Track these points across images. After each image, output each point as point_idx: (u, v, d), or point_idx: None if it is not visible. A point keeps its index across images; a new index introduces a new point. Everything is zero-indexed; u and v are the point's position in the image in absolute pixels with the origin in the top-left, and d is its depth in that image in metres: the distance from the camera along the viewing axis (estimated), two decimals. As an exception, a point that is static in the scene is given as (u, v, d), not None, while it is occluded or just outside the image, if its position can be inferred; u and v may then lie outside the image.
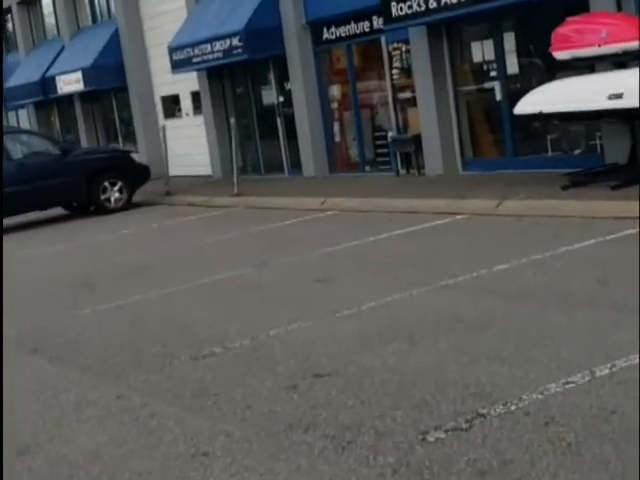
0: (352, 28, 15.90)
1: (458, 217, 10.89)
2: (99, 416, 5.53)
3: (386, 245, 9.89)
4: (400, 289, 7.54)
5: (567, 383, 4.83)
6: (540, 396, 4.70)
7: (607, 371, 4.92)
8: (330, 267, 9.06)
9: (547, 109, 11.25)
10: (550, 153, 13.22)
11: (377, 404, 4.95)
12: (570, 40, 11.25)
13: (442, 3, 12.78)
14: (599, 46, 10.77)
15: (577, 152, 12.98)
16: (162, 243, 12.27)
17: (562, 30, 11.38)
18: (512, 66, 13.35)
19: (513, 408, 4.61)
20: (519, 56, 13.27)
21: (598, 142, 12.52)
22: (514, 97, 12.89)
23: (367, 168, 16.35)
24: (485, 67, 13.73)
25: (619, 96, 10.40)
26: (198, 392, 5.63)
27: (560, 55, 11.40)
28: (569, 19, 11.41)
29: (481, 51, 13.72)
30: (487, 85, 13.75)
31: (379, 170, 16.00)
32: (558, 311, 6.31)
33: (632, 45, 10.58)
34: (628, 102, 10.30)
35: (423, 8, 13.12)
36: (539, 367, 5.16)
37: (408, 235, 10.28)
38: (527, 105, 11.57)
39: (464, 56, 14.20)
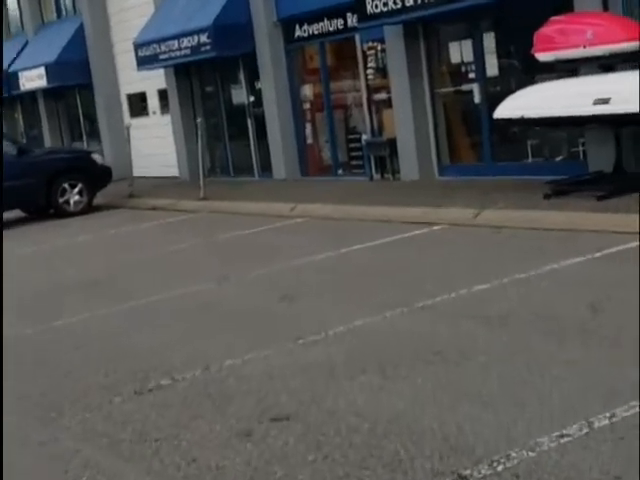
0: (325, 26, 15.25)
1: (435, 228, 10.25)
2: (24, 465, 4.81)
3: (358, 258, 9.22)
4: (372, 311, 6.88)
5: (562, 436, 4.18)
6: (532, 453, 4.04)
7: (606, 422, 4.28)
8: (297, 283, 8.39)
9: (529, 114, 10.64)
10: (530, 159, 12.62)
11: (342, 459, 4.27)
12: (554, 41, 10.64)
13: (419, 1, 12.15)
14: (584, 47, 10.16)
15: (559, 159, 12.39)
16: (119, 252, 11.50)
17: (545, 30, 10.77)
18: (492, 68, 12.75)
19: (500, 469, 3.95)
20: (499, 57, 12.66)
21: (581, 149, 11.94)
22: (493, 100, 12.29)
23: (340, 172, 15.69)
24: (463, 68, 13.11)
25: (606, 101, 9.80)
26: (139, 437, 4.93)
27: (543, 57, 10.79)
28: (553, 19, 10.80)
29: (459, 52, 13.10)
30: (465, 87, 13.14)
31: (352, 174, 15.35)
32: (546, 341, 5.67)
33: (619, 47, 9.98)
34: (615, 108, 9.71)
35: (399, 6, 12.48)
36: (528, 413, 4.51)
37: (382, 247, 9.62)
38: (507, 109, 10.96)
39: (442, 57, 13.58)
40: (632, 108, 9.57)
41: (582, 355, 5.35)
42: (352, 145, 15.38)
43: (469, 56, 12.94)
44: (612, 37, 9.98)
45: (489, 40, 12.66)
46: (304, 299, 7.69)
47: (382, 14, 12.79)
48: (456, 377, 5.23)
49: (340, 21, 14.93)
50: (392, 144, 14.10)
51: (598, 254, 7.82)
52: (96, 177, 16.24)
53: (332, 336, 6.40)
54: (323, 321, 6.77)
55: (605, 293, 6.55)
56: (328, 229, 11.36)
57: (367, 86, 14.72)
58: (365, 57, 14.58)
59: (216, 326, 7.14)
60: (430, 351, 5.75)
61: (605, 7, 10.69)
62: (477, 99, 12.91)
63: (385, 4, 12.68)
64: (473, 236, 9.59)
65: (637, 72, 10.05)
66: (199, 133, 15.90)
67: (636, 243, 7.98)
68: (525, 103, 10.78)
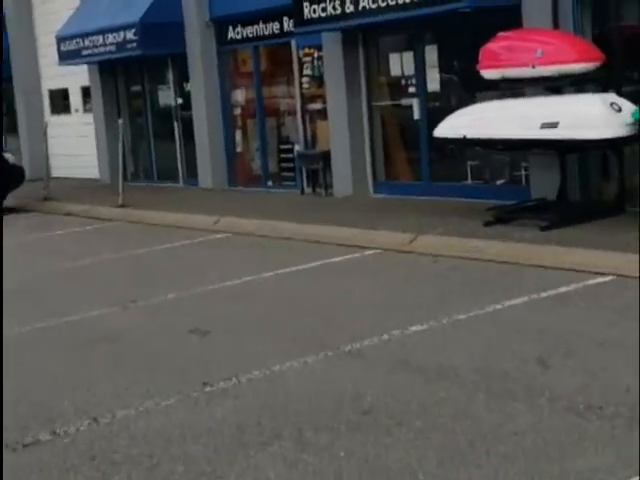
0: (260, 29, 14.45)
1: (367, 252, 9.48)
2: None
3: (281, 285, 8.39)
4: (293, 353, 6.05)
5: None
6: None
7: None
8: (211, 312, 7.52)
9: (471, 134, 9.96)
10: (470, 181, 11.97)
11: None
12: (500, 58, 9.99)
13: (359, 8, 11.39)
14: (533, 67, 9.52)
15: (500, 182, 11.75)
16: (15, 265, 10.29)
17: (492, 46, 10.11)
18: (433, 82, 12.07)
19: None
20: (441, 72, 12.00)
21: (524, 173, 11.32)
22: (434, 117, 11.68)
23: (270, 183, 14.85)
24: (404, 82, 12.41)
25: (554, 125, 9.17)
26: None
27: (489, 74, 10.13)
28: (500, 34, 10.15)
29: (400, 64, 12.40)
30: (405, 102, 12.44)
31: (283, 186, 14.53)
32: (490, 405, 4.91)
33: (571, 68, 9.37)
34: (563, 133, 9.08)
35: (338, 11, 11.71)
36: (471, 506, 3.74)
37: (309, 273, 8.81)
38: (449, 128, 10.27)
39: (381, 68, 12.86)
40: (581, 134, 8.97)
41: (531, 420, 4.61)
42: (284, 156, 14.58)
43: (410, 69, 12.26)
44: (563, 57, 9.35)
45: (431, 53, 11.99)
46: (217, 333, 6.83)
47: (320, 19, 12.01)
48: (385, 447, 4.43)
49: (276, 25, 14.16)
50: (326, 157, 13.34)
51: (544, 294, 7.13)
52: (6, 177, 15.07)
53: (245, 384, 5.55)
54: (236, 363, 5.93)
55: (554, 343, 5.84)
56: (252, 248, 10.51)
57: (302, 94, 13.95)
58: (301, 64, 13.82)
59: (112, 364, 6.22)
60: (357, 410, 4.94)
61: (556, 24, 10.08)
62: (417, 115, 12.23)
63: (323, 9, 11.90)
64: (408, 265, 8.84)
65: (587, 95, 9.47)
66: (120, 136, 14.89)
67: (581, 284, 7.34)
68: (468, 122, 10.11)
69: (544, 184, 10.54)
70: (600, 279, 7.43)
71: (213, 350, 6.43)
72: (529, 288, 7.29)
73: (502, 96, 10.51)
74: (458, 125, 10.18)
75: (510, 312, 6.70)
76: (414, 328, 6.42)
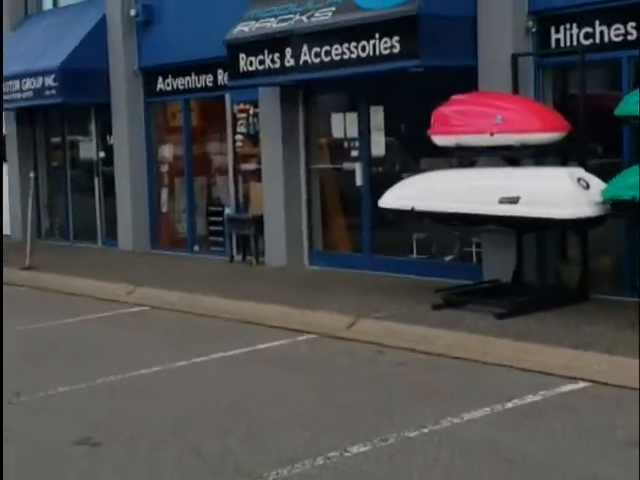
0: (192, 80, 13.38)
1: (300, 338, 8.27)
2: None
3: (197, 379, 7.09)
4: (201, 481, 4.77)
5: None
6: None
7: None
8: (107, 414, 6.18)
9: (421, 206, 8.90)
10: (415, 255, 10.89)
11: None
12: (455, 123, 9.01)
13: (300, 62, 10.35)
14: (491, 135, 8.54)
15: (448, 258, 10.69)
16: None
17: (445, 110, 9.14)
18: (378, 146, 11.06)
19: None
20: (388, 135, 11.00)
21: (474, 250, 10.28)
22: (378, 184, 10.74)
23: (196, 248, 13.61)
24: (346, 144, 11.39)
25: (514, 201, 8.15)
26: None
27: (441, 140, 9.13)
28: (455, 97, 9.19)
29: (342, 125, 11.39)
30: (347, 166, 11.39)
31: (210, 252, 13.31)
32: None
33: (533, 138, 8.41)
34: (525, 210, 8.06)
35: (277, 65, 10.64)
36: None
37: (231, 363, 7.54)
38: (396, 198, 9.21)
39: (322, 129, 11.81)
40: (545, 212, 7.96)
41: None
42: (213, 218, 13.40)
43: (353, 131, 11.25)
44: (525, 126, 8.39)
45: (377, 115, 11.00)
46: (110, 445, 5.50)
47: (257, 73, 10.93)
48: None
49: (209, 77, 13.13)
50: (258, 222, 12.17)
51: (509, 404, 5.99)
52: None
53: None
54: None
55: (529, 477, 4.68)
56: (170, 326, 9.20)
57: (235, 153, 12.84)
58: (235, 120, 12.74)
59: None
60: None
61: (515, 89, 9.15)
62: (359, 180, 11.17)
63: (261, 62, 10.83)
64: (348, 357, 7.61)
65: (552, 169, 8.52)
66: (31, 190, 13.51)
67: (551, 392, 6.23)
68: (417, 193, 9.06)
69: (497, 263, 9.53)
70: (571, 386, 6.34)
71: (102, 465, 5.11)
72: (491, 396, 6.14)
73: (455, 165, 9.53)
74: (406, 195, 9.13)
75: (470, 429, 5.52)
76: (355, 449, 5.19)
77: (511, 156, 8.85)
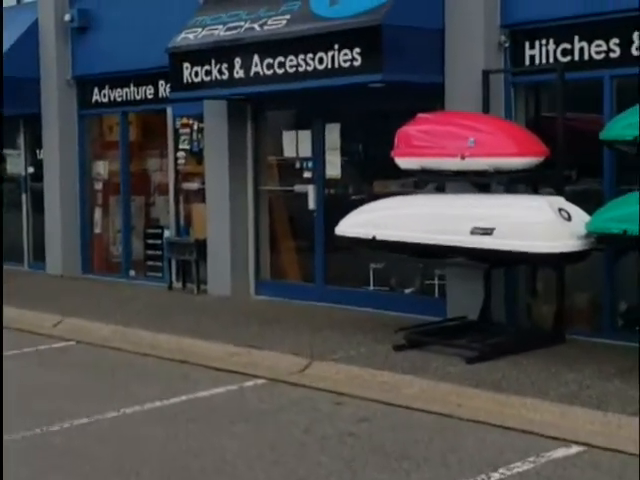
0: (131, 92, 12.40)
1: (247, 384, 7.30)
2: None
3: (122, 440, 6.06)
4: None
5: None
6: None
7: None
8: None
9: (383, 235, 8.04)
10: (372, 287, 10.01)
11: None
12: (421, 145, 8.18)
13: (251, 73, 9.44)
14: (462, 158, 7.72)
15: (408, 291, 9.83)
16: None
17: (410, 130, 8.31)
18: (334, 168, 10.19)
19: None
20: (344, 156, 10.13)
21: (437, 282, 9.45)
22: (332, 208, 9.97)
23: (132, 273, 12.55)
24: (298, 164, 10.49)
25: (487, 232, 7.33)
26: None
27: (405, 163, 8.30)
28: (421, 116, 8.37)
29: (295, 143, 10.49)
30: (299, 188, 10.48)
31: (147, 277, 12.28)
32: None
33: (508, 162, 7.62)
34: (500, 243, 7.24)
35: (225, 76, 9.72)
36: None
37: (163, 418, 6.52)
38: (355, 225, 8.34)
39: (273, 147, 10.89)
40: (522, 246, 7.15)
41: None
42: (151, 241, 12.34)
43: (306, 150, 10.36)
44: (500, 149, 7.60)
45: (333, 133, 10.14)
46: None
47: (202, 84, 9.98)
48: None
49: (149, 88, 12.17)
50: (201, 247, 11.19)
51: (495, 475, 5.11)
52: None
53: None
54: None
55: None
56: (97, 367, 8.13)
57: (177, 171, 11.85)
58: (177, 135, 11.75)
59: None
60: None
61: (486, 108, 8.36)
62: (312, 204, 10.27)
63: (207, 72, 9.89)
64: (301, 410, 6.66)
65: (531, 198, 7.73)
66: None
67: (540, 458, 5.38)
68: (378, 220, 8.20)
69: (463, 298, 8.72)
70: (564, 451, 5.50)
71: None
72: (473, 463, 5.26)
73: (420, 190, 8.71)
74: (365, 222, 8.26)
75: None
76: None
77: (483, 182, 8.04)
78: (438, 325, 8.44)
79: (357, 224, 8.32)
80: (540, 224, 7.11)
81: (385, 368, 7.24)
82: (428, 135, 8.14)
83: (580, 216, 7.24)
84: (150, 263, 12.34)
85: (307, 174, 10.38)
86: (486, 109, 8.37)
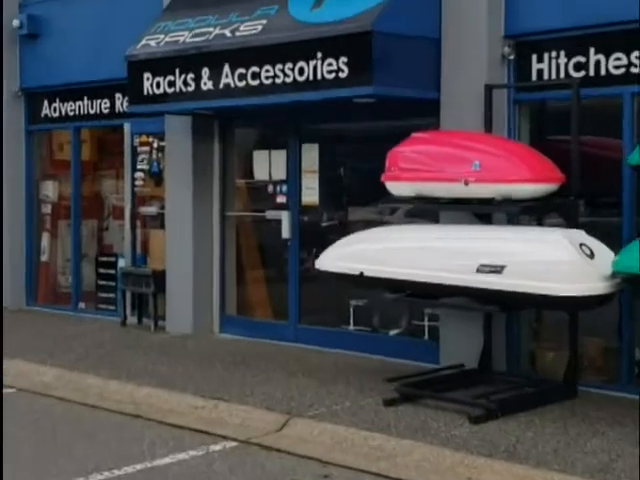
0: (85, 106, 11.34)
1: (214, 447, 6.15)
2: None
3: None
4: None
5: None
6: None
7: None
8: None
9: (372, 271, 6.98)
10: (353, 327, 8.92)
11: None
12: (416, 168, 7.14)
13: (220, 85, 8.38)
14: (466, 184, 6.70)
15: (394, 333, 8.76)
16: None
17: (404, 150, 7.29)
18: (311, 193, 9.13)
19: None
20: (324, 180, 9.06)
21: (427, 323, 8.39)
22: (310, 238, 9.05)
23: (82, 306, 11.39)
24: (271, 188, 9.43)
25: (497, 270, 6.30)
26: None
27: (397, 188, 7.28)
28: (415, 135, 7.35)
29: (267, 165, 9.43)
30: (271, 214, 9.42)
31: (100, 311, 11.15)
32: None
33: (519, 189, 6.61)
34: (512, 283, 6.22)
35: (190, 88, 8.64)
36: None
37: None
38: (339, 258, 7.30)
39: (242, 168, 9.84)
40: (538, 287, 6.13)
41: None
42: (103, 271, 11.22)
43: (280, 172, 9.30)
44: (511, 174, 6.59)
45: (310, 154, 9.10)
46: None
47: (164, 97, 8.89)
48: None
49: (105, 102, 11.11)
50: (159, 279, 10.05)
51: None
52: None
53: None
54: None
55: None
56: (39, 422, 6.93)
57: (134, 194, 10.77)
58: (135, 155, 10.68)
59: None
60: None
61: (489, 127, 7.37)
62: (286, 233, 9.20)
63: (170, 83, 8.80)
64: None
65: (547, 231, 6.72)
66: None
67: None
68: (367, 253, 7.14)
69: (458, 341, 7.71)
70: None
71: None
72: None
73: (413, 219, 7.70)
74: (352, 255, 7.21)
75: None
76: None
77: (489, 212, 7.03)
78: (433, 375, 7.36)
79: (342, 257, 7.27)
80: (560, 263, 6.09)
81: (376, 429, 6.15)
82: (425, 157, 7.11)
83: (603, 253, 6.26)
84: (102, 295, 11.22)
85: (281, 199, 9.32)
86: (488, 128, 7.38)
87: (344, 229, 8.36)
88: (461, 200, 6.89)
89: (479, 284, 6.37)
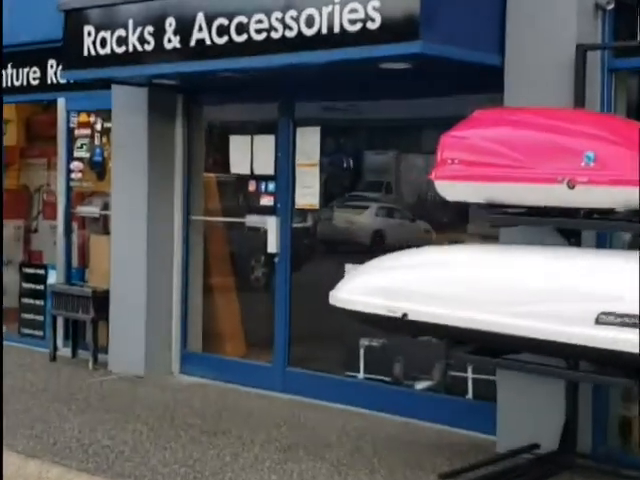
0: (8, 76, 9.18)
1: None
2: None
3: None
4: None
5: None
6: None
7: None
8: None
9: (420, 313, 4.71)
10: (362, 374, 6.69)
11: None
12: (486, 162, 4.86)
13: (191, 42, 6.12)
14: (571, 186, 4.47)
15: (421, 386, 6.50)
16: None
17: (466, 137, 4.99)
18: (308, 193, 6.93)
19: None
20: (328, 175, 6.86)
21: (470, 375, 6.17)
22: (306, 253, 7.15)
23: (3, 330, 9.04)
24: (253, 186, 7.31)
25: (629, 322, 4.07)
26: None
27: (455, 190, 5.01)
28: (478, 112, 5.09)
29: (249, 154, 7.27)
30: (252, 221, 7.33)
31: (22, 337, 9.01)
32: None
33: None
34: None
35: (149, 47, 6.34)
36: None
37: None
38: (367, 292, 5.05)
39: (215, 159, 7.70)
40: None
41: None
42: (29, 286, 9.14)
43: (266, 165, 7.12)
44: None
45: (309, 139, 6.90)
46: None
47: (111, 60, 6.60)
48: None
49: (34, 71, 8.94)
50: (101, 301, 7.89)
51: None
52: None
53: None
54: None
55: None
56: None
57: (69, 189, 8.77)
58: (72, 138, 8.64)
59: None
60: None
61: (580, 101, 5.15)
62: (273, 246, 7.05)
63: (121, 40, 6.47)
64: None
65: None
66: None
67: None
68: (411, 286, 4.86)
69: (522, 409, 5.48)
70: None
71: None
72: None
73: (476, 235, 5.48)
74: (387, 288, 4.93)
75: None
76: None
77: (609, 229, 4.81)
78: (503, 464, 5.11)
79: (371, 290, 4.99)
80: None
81: None
82: (499, 146, 4.83)
83: None
84: (26, 316, 9.18)
85: (266, 200, 7.17)
86: (580, 103, 5.18)
87: (363, 245, 6.12)
88: (559, 210, 4.65)
89: (601, 343, 4.14)
